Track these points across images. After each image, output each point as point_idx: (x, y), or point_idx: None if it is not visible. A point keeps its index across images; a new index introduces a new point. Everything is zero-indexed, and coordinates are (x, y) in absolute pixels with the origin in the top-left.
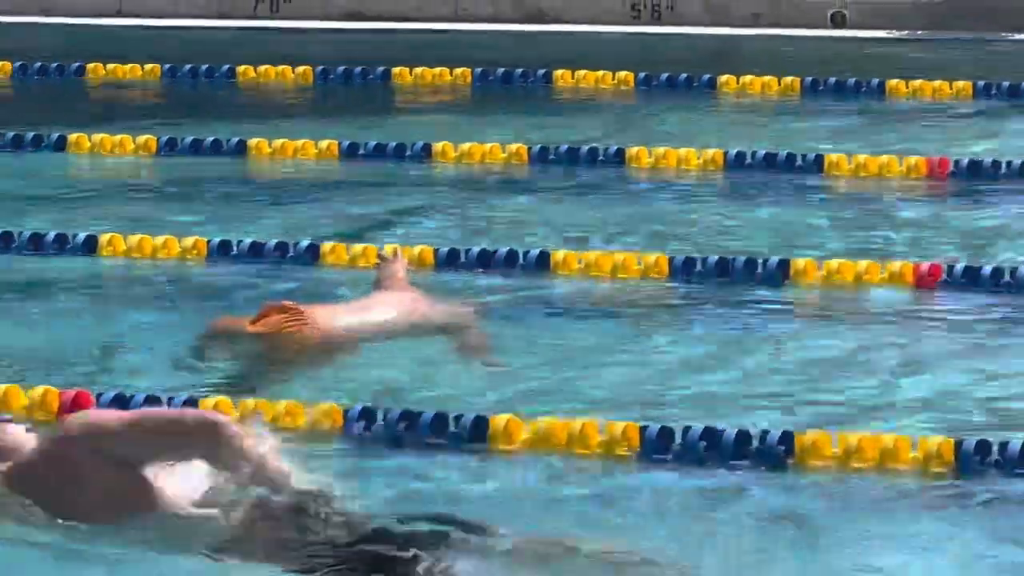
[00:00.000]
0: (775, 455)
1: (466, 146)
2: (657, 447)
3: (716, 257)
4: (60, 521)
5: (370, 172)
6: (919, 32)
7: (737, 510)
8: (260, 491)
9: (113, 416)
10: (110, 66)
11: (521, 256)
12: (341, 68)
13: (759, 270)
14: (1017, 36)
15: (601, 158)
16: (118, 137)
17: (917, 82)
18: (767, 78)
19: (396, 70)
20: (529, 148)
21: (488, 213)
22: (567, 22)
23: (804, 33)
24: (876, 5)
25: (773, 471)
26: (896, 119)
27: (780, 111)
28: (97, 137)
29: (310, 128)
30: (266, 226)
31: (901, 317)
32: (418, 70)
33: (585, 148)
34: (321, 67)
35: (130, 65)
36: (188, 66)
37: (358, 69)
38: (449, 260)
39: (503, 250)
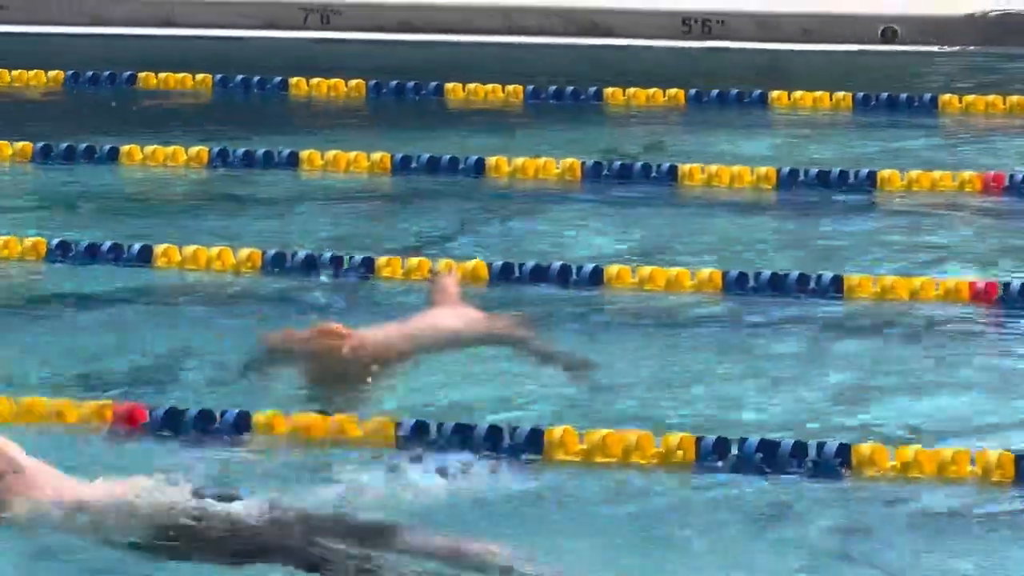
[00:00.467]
0: (832, 467)
1: (519, 161)
2: (713, 458)
3: (769, 272)
4: None
5: (423, 186)
6: (971, 47)
7: (793, 522)
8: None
9: None
10: (161, 76)
11: (575, 271)
12: (393, 82)
13: (813, 285)
14: None
15: (654, 174)
16: (170, 148)
17: (970, 97)
18: (818, 94)
19: (449, 85)
20: (582, 163)
21: (541, 228)
22: (618, 36)
23: (855, 48)
24: (927, 20)
25: (830, 483)
26: (949, 134)
27: (831, 127)
28: (149, 148)
29: (362, 141)
30: (319, 239)
31: (956, 334)
32: (471, 85)
33: (638, 164)
34: (374, 80)
35: (181, 76)
36: (240, 77)
37: (411, 83)
38: (503, 274)
39: (556, 264)
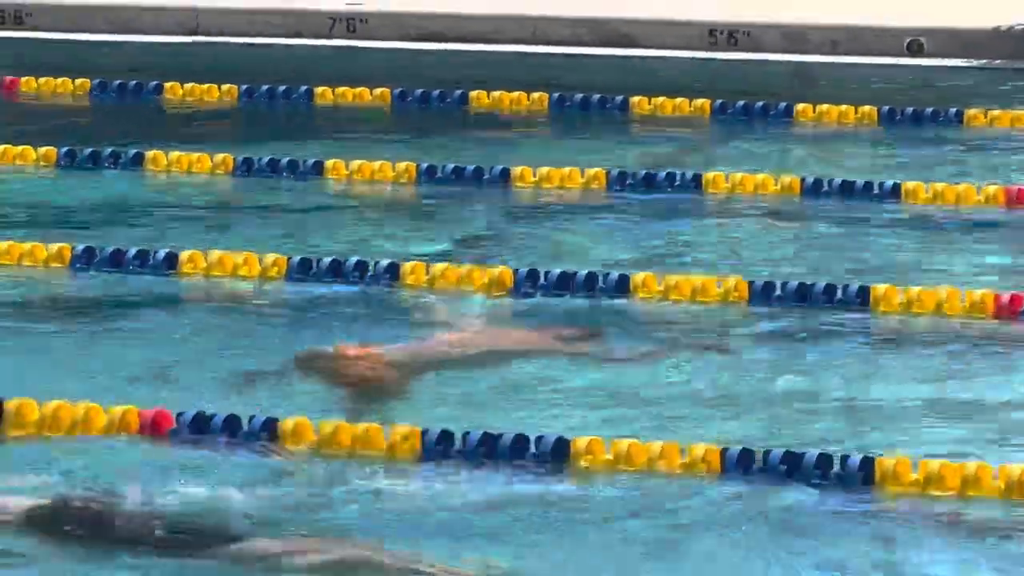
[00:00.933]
0: (856, 480)
1: (544, 170)
2: (738, 469)
3: (796, 282)
4: None
5: (448, 194)
6: (997, 61)
7: (816, 534)
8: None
9: None
10: (187, 84)
11: (601, 279)
12: (419, 91)
13: (839, 296)
14: None
15: (678, 183)
16: (195, 155)
17: (996, 111)
18: (844, 106)
19: (474, 94)
20: (607, 172)
21: (567, 236)
22: (644, 46)
23: (881, 61)
24: (954, 33)
25: (853, 495)
26: (974, 148)
27: (857, 139)
28: (174, 155)
29: (388, 149)
30: (345, 246)
31: (981, 346)
32: (496, 94)
33: (663, 173)
34: (399, 89)
35: (207, 84)
36: (265, 86)
37: (436, 92)
38: (529, 282)
39: (583, 273)
